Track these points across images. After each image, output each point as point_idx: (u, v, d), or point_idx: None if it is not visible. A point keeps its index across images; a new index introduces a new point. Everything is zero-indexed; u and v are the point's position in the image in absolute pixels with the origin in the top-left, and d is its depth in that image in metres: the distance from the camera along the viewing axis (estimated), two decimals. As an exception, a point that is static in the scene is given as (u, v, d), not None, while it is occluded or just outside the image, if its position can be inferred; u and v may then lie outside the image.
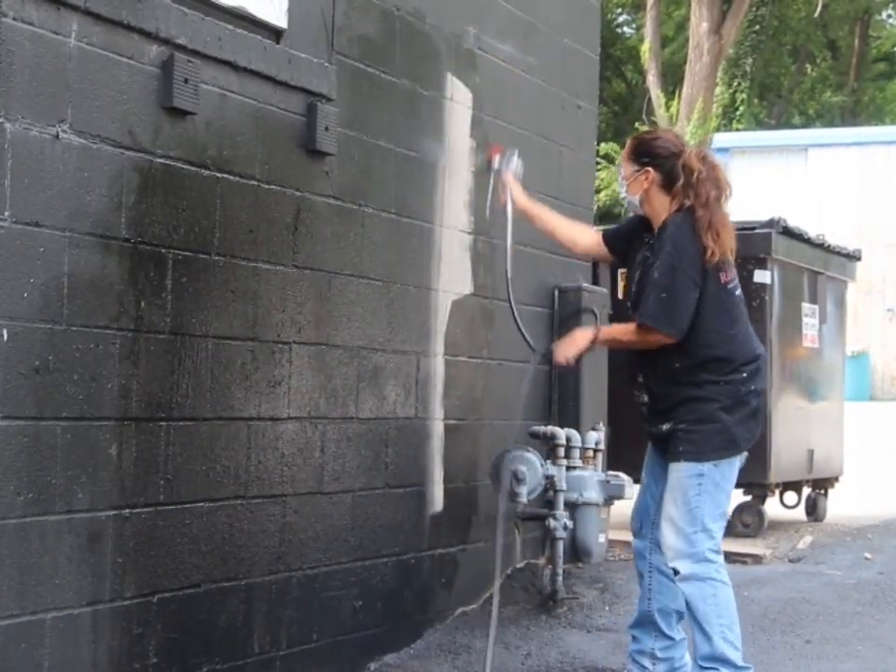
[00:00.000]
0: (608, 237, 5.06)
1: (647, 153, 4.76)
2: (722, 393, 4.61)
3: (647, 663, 4.91)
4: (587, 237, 5.19)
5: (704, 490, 4.58)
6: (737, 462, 4.70)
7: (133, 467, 4.06)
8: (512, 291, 5.50)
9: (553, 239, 5.37)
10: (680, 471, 4.62)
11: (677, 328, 4.58)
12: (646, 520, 4.89)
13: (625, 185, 4.82)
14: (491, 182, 5.34)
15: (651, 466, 4.90)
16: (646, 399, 4.77)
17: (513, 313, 5.33)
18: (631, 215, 5.03)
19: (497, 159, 5.30)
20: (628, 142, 4.98)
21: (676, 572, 4.62)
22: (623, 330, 4.79)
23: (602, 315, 6.90)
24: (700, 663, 4.59)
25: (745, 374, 4.64)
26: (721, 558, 4.64)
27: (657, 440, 4.81)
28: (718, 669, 4.55)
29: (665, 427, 4.69)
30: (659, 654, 4.89)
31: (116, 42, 3.97)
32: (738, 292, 4.75)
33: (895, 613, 6.24)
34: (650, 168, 4.71)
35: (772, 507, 8.75)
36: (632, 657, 4.97)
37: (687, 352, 4.62)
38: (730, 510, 4.81)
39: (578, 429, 6.27)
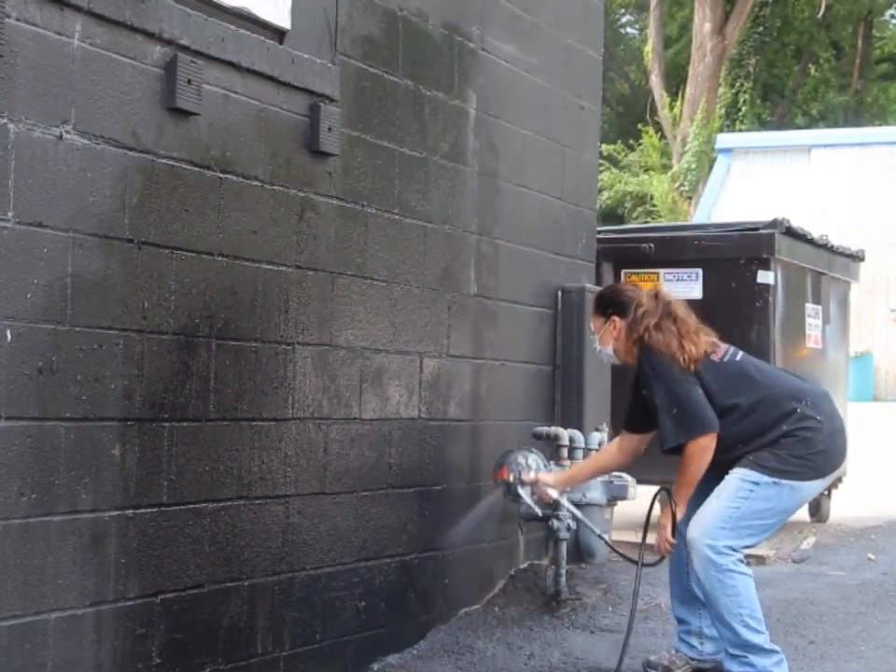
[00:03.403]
0: (627, 423, 5.14)
1: (609, 304, 5.06)
2: (791, 433, 4.71)
3: (695, 641, 5.04)
4: (619, 446, 5.19)
5: (752, 498, 4.68)
6: (805, 490, 4.79)
7: (137, 467, 4.06)
8: (515, 294, 5.49)
9: (600, 475, 5.63)
10: (739, 473, 4.72)
11: (706, 425, 4.71)
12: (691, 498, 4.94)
13: (597, 338, 5.09)
14: (521, 495, 5.42)
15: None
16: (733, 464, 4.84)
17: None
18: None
19: (510, 477, 5.41)
20: (593, 301, 5.26)
21: (692, 561, 4.74)
22: (681, 473, 4.82)
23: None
24: (730, 651, 4.72)
25: (800, 409, 4.73)
26: (738, 554, 4.73)
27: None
28: (747, 656, 4.67)
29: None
30: (707, 632, 5.01)
31: (119, 43, 3.98)
32: (740, 356, 4.90)
33: (899, 614, 6.23)
34: (615, 316, 4.99)
35: (775, 507, 8.73)
36: (679, 636, 5.10)
37: (739, 430, 4.73)
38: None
39: (581, 430, 6.27)
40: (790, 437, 4.71)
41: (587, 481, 5.69)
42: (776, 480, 4.68)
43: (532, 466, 5.39)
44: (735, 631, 4.66)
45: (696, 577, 4.94)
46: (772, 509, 4.72)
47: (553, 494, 5.31)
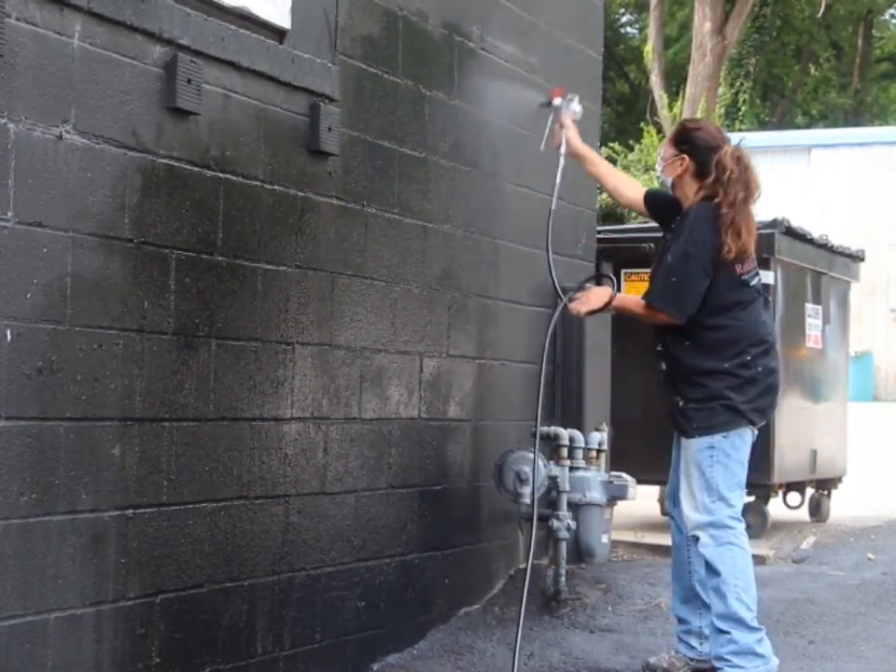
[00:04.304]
0: (650, 197, 5.26)
1: (686, 141, 4.96)
2: (728, 374, 4.79)
3: (694, 641, 5.05)
4: (632, 190, 5.40)
5: (716, 461, 4.78)
6: (749, 435, 4.87)
7: (137, 467, 4.06)
8: (515, 294, 5.48)
9: (600, 184, 5.61)
10: (692, 446, 4.83)
11: (681, 311, 4.80)
12: (678, 495, 5.00)
13: (662, 165, 5.04)
14: (549, 120, 5.55)
15: (678, 445, 5.05)
16: (663, 366, 4.97)
17: (549, 257, 5.31)
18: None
19: (558, 99, 5.52)
20: (675, 126, 5.28)
21: (696, 539, 4.80)
22: (635, 303, 4.99)
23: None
24: (715, 622, 4.75)
25: (749, 357, 4.82)
26: (741, 525, 4.82)
27: (672, 417, 4.97)
28: (730, 633, 4.70)
29: (678, 401, 4.88)
30: (707, 632, 4.99)
31: (119, 43, 3.97)
32: (755, 282, 4.93)
33: (899, 614, 6.23)
34: (686, 156, 4.92)
35: (775, 507, 8.74)
36: (679, 637, 5.11)
37: (695, 333, 4.83)
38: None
39: (581, 430, 6.26)
40: (723, 378, 4.76)
41: (590, 171, 5.54)
42: (724, 434, 4.78)
43: (578, 112, 5.47)
44: (727, 601, 4.69)
45: (699, 574, 4.96)
46: (735, 461, 4.80)
47: (563, 149, 5.37)
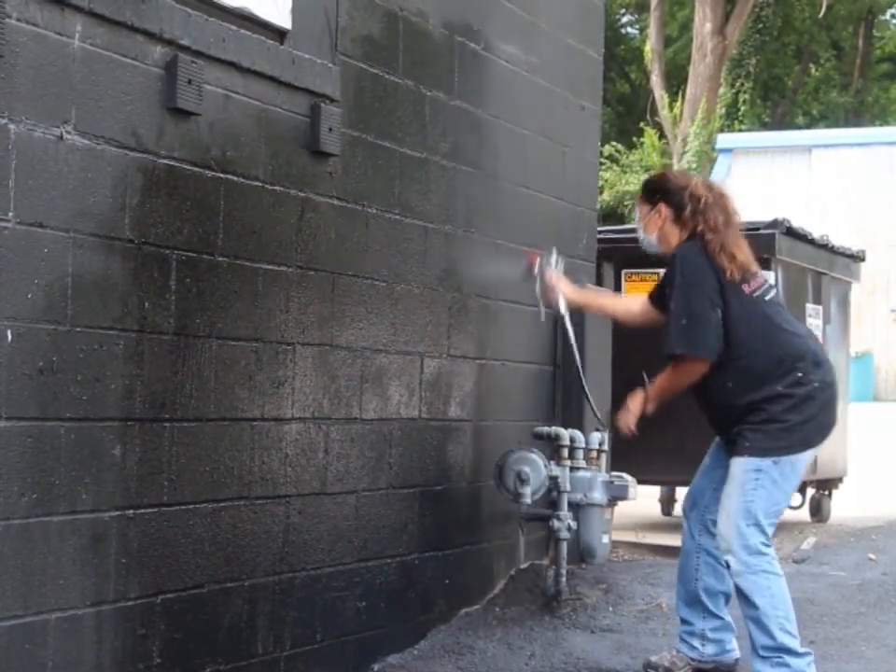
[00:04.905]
0: (653, 294, 5.16)
1: (657, 191, 4.95)
2: (784, 397, 4.67)
3: (696, 642, 5.02)
4: (640, 303, 5.30)
5: (760, 485, 4.66)
6: (801, 463, 4.76)
7: (137, 467, 4.06)
8: (515, 294, 5.49)
9: (612, 319, 5.71)
10: (740, 465, 4.71)
11: (705, 349, 4.69)
12: (699, 500, 5.01)
13: (641, 226, 4.99)
14: (537, 288, 5.51)
15: (715, 450, 4.99)
16: (717, 415, 4.86)
17: (586, 394, 5.41)
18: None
19: (536, 264, 5.50)
20: (640, 187, 5.20)
21: (727, 565, 4.72)
22: (666, 376, 4.87)
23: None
24: (762, 654, 4.66)
25: (800, 373, 4.69)
26: (772, 551, 4.72)
27: (726, 440, 4.89)
28: (782, 657, 4.63)
29: (734, 429, 4.77)
30: (710, 635, 4.99)
31: (120, 43, 3.97)
32: (770, 296, 4.84)
33: (899, 614, 6.23)
34: (661, 203, 4.89)
35: (776, 508, 8.73)
36: (681, 637, 5.07)
37: (734, 369, 4.71)
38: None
39: (581, 430, 6.26)
40: (780, 401, 4.66)
41: (597, 312, 5.65)
42: (774, 459, 4.66)
43: (559, 269, 5.44)
44: (773, 634, 4.61)
45: (705, 582, 4.93)
46: (780, 490, 4.70)
47: (562, 307, 5.37)
